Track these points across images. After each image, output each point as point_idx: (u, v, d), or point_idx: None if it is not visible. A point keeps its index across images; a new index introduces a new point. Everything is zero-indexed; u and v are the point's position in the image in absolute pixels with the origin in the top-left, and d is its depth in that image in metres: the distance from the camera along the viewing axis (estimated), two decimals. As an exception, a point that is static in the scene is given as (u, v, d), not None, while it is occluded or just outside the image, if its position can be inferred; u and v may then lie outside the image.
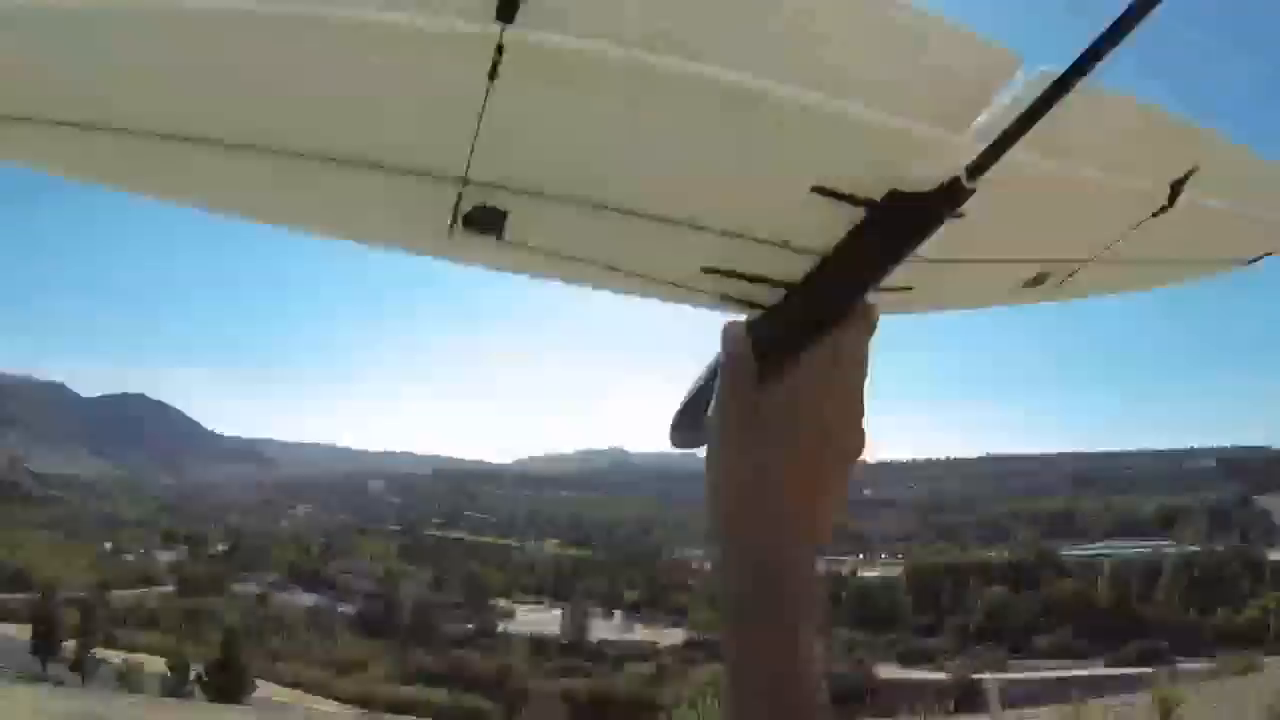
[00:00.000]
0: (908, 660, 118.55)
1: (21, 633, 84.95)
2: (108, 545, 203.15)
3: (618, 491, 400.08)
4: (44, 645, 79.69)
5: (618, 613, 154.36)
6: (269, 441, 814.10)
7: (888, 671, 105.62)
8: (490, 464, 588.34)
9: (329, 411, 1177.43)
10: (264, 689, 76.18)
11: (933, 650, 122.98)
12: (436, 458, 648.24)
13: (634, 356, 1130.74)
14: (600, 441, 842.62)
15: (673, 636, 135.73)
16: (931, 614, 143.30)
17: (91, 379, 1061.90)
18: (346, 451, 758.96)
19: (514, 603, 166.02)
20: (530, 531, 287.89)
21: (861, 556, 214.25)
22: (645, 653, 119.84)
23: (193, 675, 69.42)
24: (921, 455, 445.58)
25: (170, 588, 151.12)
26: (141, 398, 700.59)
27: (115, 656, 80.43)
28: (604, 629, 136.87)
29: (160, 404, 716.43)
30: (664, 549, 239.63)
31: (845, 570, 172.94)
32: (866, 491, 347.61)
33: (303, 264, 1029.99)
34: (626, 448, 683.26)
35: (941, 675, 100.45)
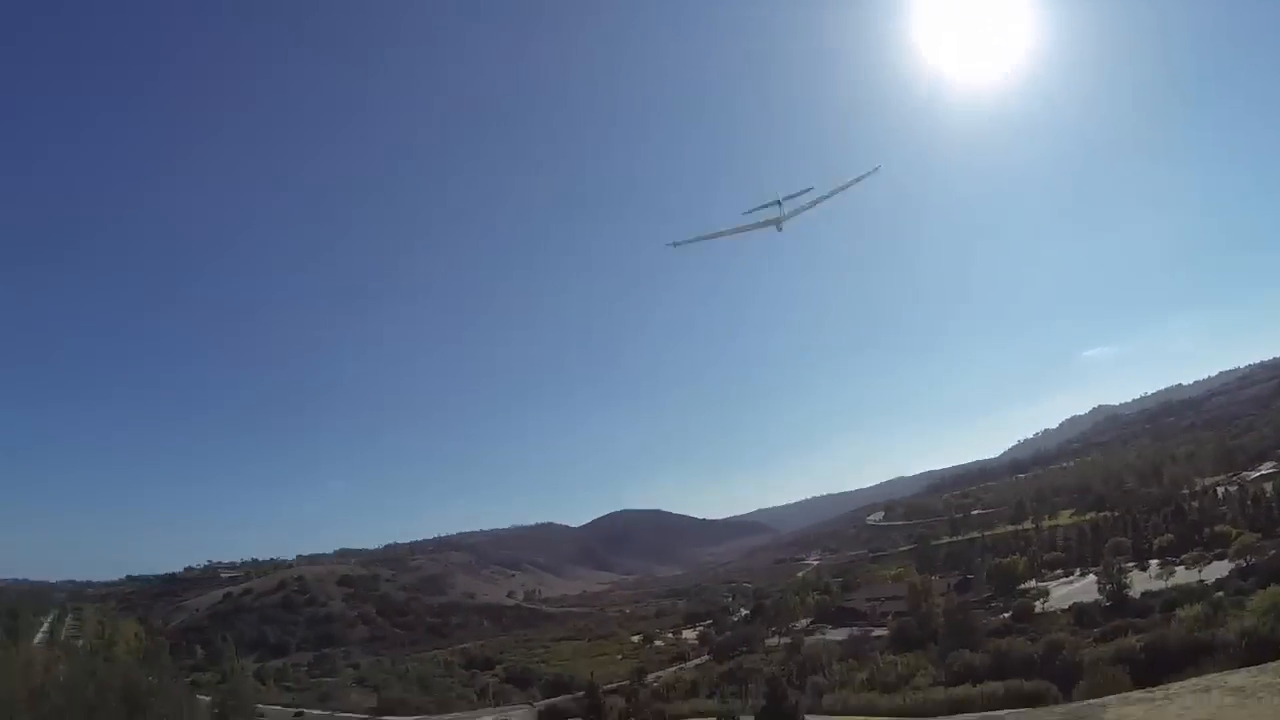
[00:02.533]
0: None
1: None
2: (635, 639, 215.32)
3: (1113, 448, 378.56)
4: None
5: (1152, 562, 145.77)
6: (761, 511, 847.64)
7: None
8: (981, 461, 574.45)
9: (809, 470, 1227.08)
10: (816, 723, 78.00)
11: None
12: (928, 474, 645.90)
13: (1100, 310, 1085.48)
14: (1081, 406, 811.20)
15: (1217, 570, 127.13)
16: None
17: (577, 510, 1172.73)
18: (838, 496, 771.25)
19: (1044, 581, 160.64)
20: (1041, 510, 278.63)
21: None
22: (1193, 594, 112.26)
23: (744, 725, 72.14)
24: None
25: (704, 659, 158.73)
26: (628, 512, 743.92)
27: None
28: (1143, 581, 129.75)
29: (650, 511, 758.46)
30: (1180, 485, 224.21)
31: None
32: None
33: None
34: (1110, 402, 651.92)
35: None
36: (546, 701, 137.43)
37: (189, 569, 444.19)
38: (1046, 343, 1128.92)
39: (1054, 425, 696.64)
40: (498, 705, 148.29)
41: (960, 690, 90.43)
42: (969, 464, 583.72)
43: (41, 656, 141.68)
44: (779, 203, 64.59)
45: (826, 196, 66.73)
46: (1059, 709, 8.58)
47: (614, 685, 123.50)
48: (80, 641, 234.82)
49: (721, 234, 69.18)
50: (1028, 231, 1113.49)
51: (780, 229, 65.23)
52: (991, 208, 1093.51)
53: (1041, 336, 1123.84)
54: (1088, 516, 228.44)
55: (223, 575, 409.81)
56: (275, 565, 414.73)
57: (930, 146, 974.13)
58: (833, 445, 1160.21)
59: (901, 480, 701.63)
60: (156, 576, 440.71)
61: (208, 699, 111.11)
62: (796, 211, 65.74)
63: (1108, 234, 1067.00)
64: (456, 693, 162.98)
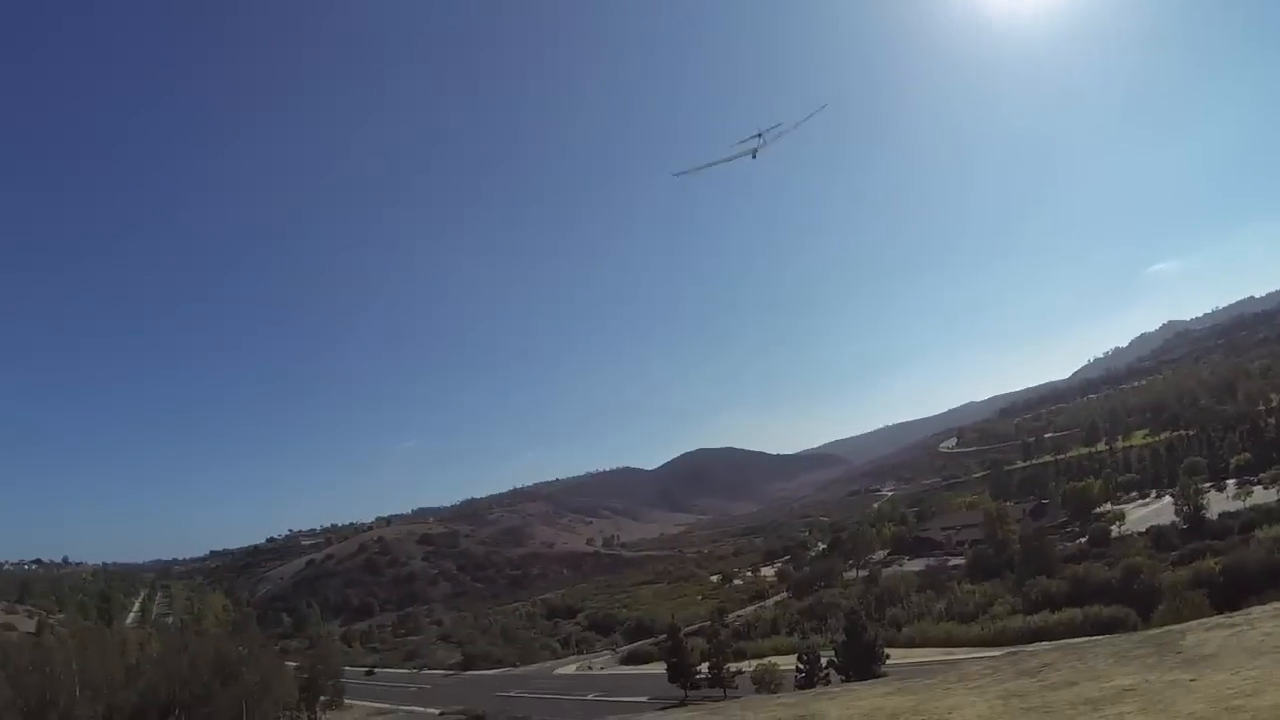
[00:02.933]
0: None
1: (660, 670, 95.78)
2: (714, 579, 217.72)
3: (1185, 365, 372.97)
4: (679, 673, 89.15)
5: (1229, 482, 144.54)
6: (834, 443, 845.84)
7: None
8: (1052, 383, 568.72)
9: (881, 399, 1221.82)
10: (895, 655, 79.32)
11: None
12: (997, 397, 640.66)
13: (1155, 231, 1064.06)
14: (1151, 323, 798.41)
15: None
16: None
17: (651, 452, 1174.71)
18: (910, 425, 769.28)
19: (1120, 504, 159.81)
20: (1114, 431, 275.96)
21: None
22: (1272, 514, 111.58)
23: (824, 662, 73.66)
24: None
25: (783, 595, 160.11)
26: (702, 451, 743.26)
27: (747, 666, 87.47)
28: (1220, 502, 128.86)
29: (724, 449, 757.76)
30: (1256, 401, 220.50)
31: None
32: None
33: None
34: (1180, 318, 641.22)
35: None
36: (629, 646, 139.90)
37: (270, 540, 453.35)
38: (1113, 259, 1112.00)
39: (1124, 344, 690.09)
40: (581, 653, 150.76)
41: (1038, 618, 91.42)
42: (1039, 386, 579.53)
43: (134, 635, 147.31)
44: (760, 135, 71.63)
45: (791, 128, 75.07)
46: (1137, 635, 9.42)
47: (695, 626, 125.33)
48: (170, 618, 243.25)
49: (714, 164, 77.30)
50: (1088, 143, 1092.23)
51: (755, 157, 72.44)
52: (1051, 121, 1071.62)
53: (1107, 252, 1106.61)
54: (1162, 436, 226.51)
55: (304, 543, 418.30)
56: (355, 529, 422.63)
57: (990, 60, 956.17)
58: (902, 373, 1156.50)
59: (972, 405, 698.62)
60: (240, 550, 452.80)
61: (296, 665, 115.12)
62: (765, 144, 72.68)
63: (1172, 143, 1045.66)
64: (540, 643, 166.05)
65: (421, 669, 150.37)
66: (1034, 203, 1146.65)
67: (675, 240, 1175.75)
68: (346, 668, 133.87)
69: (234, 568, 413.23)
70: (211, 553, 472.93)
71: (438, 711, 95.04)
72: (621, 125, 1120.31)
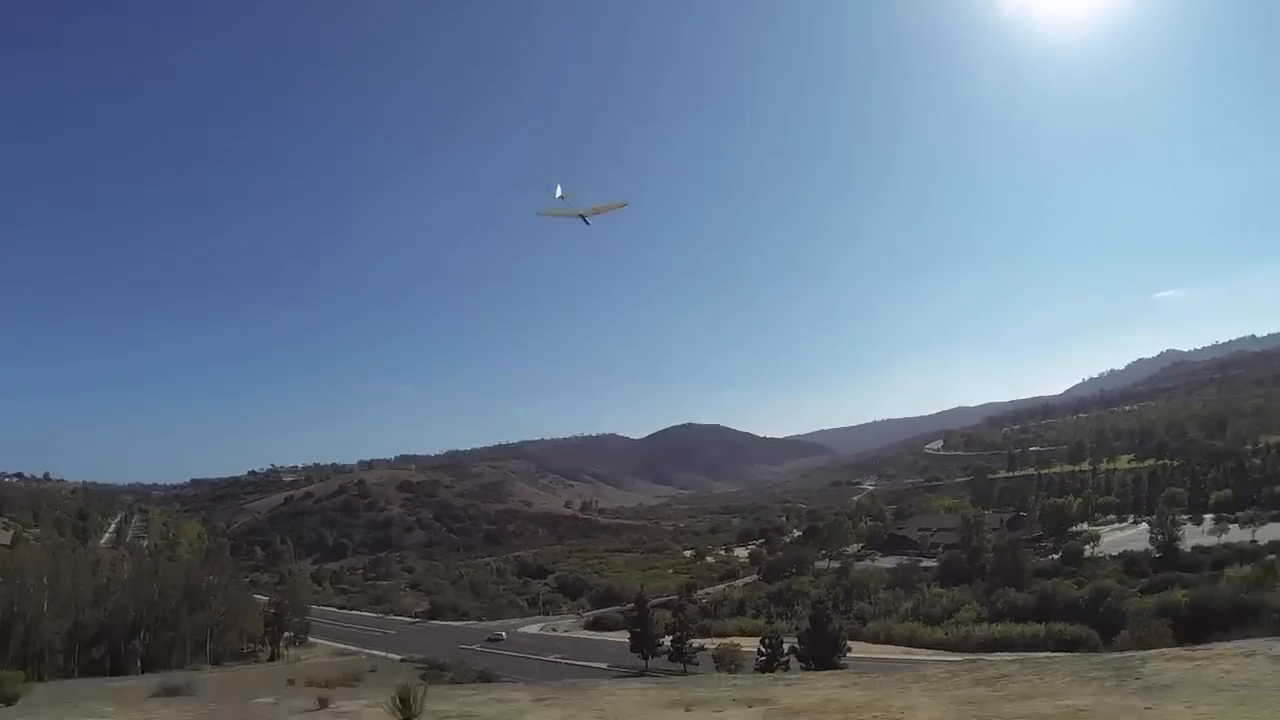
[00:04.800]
0: None
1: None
2: (687, 554, 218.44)
3: (1178, 396, 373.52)
4: (642, 643, 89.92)
5: (1207, 517, 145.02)
6: (821, 432, 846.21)
7: None
8: (1045, 397, 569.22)
9: (872, 394, 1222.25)
10: (857, 649, 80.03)
11: None
12: (989, 404, 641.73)
13: (1165, 260, 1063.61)
14: (1150, 349, 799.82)
15: (1272, 532, 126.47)
16: None
17: (639, 422, 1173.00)
18: (899, 422, 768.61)
19: (1096, 525, 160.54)
20: (1100, 452, 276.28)
21: None
22: (1245, 554, 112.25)
23: (786, 648, 74.23)
24: None
25: (754, 577, 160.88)
26: (690, 426, 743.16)
27: (710, 644, 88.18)
28: (1195, 535, 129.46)
29: (711, 426, 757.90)
30: (1244, 441, 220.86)
31: None
32: None
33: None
34: (1179, 348, 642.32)
35: None
36: (595, 612, 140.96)
37: (252, 473, 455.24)
38: (1121, 280, 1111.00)
39: (1120, 366, 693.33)
40: (547, 614, 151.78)
41: (1002, 628, 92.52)
42: (1031, 399, 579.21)
43: (108, 555, 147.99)
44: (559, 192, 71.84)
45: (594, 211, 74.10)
46: (1097, 657, 9.53)
47: (663, 599, 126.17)
48: (145, 541, 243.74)
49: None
50: (1114, 162, 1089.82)
51: (588, 223, 73.08)
52: (1080, 134, 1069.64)
53: (1116, 273, 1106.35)
54: (1146, 463, 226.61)
55: (285, 479, 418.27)
56: (336, 470, 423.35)
57: (1016, 75, 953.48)
58: (897, 370, 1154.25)
59: (963, 410, 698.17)
60: (220, 479, 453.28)
61: (264, 599, 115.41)
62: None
63: (1196, 174, 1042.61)
64: (507, 599, 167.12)
65: (388, 614, 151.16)
66: (1051, 213, 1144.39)
67: (685, 211, 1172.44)
68: (315, 606, 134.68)
69: (213, 497, 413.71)
70: (192, 480, 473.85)
71: (399, 658, 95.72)
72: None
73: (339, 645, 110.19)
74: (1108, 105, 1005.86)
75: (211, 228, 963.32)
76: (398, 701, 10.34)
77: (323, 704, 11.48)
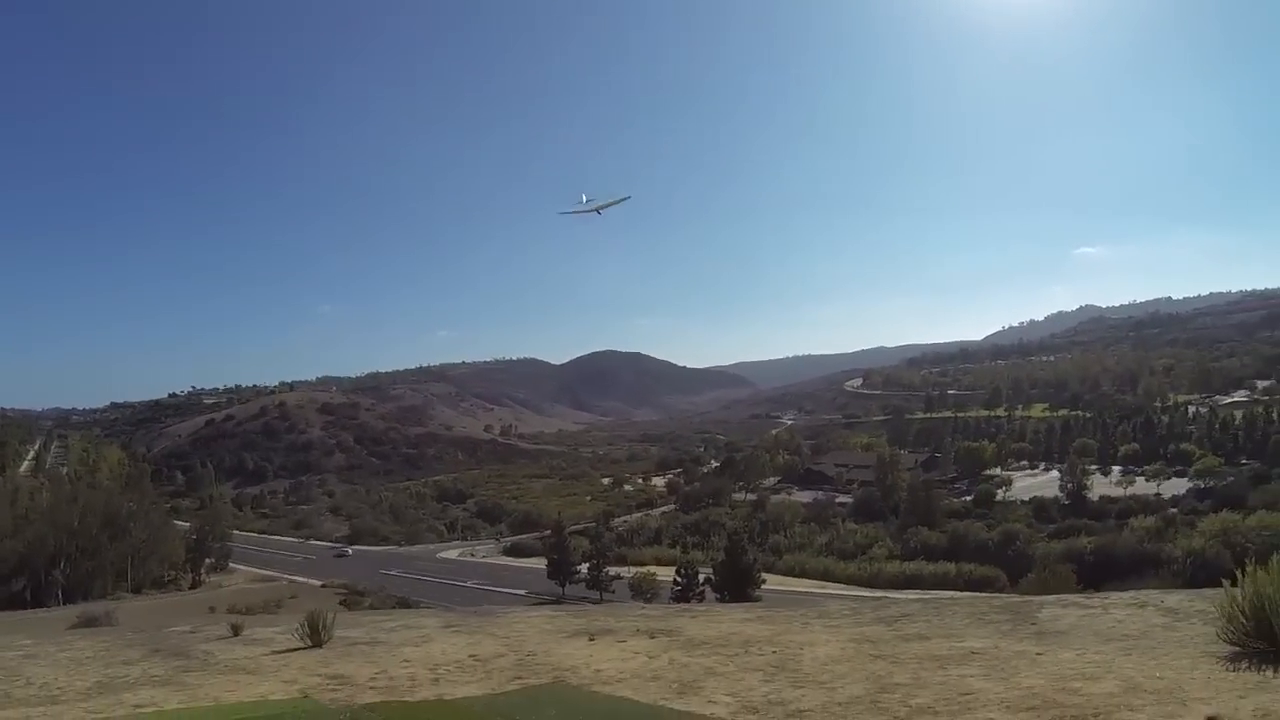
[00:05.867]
0: None
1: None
2: (605, 481, 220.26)
3: (1093, 350, 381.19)
4: (559, 570, 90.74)
5: (1115, 468, 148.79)
6: (742, 364, 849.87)
7: None
8: (964, 342, 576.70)
9: (795, 328, 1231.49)
10: (772, 582, 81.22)
11: None
12: (909, 346, 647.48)
13: (1090, 216, 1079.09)
14: (1069, 303, 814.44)
15: (1175, 486, 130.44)
16: None
17: (560, 347, 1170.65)
18: (820, 358, 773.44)
19: (1009, 470, 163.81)
20: (1015, 400, 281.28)
21: None
22: (1148, 506, 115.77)
23: (702, 579, 75.27)
24: None
25: (671, 507, 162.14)
26: (611, 353, 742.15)
27: (627, 572, 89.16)
28: (1103, 485, 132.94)
29: (632, 354, 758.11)
30: (1154, 398, 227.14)
31: None
32: None
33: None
34: (1097, 303, 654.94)
35: None
36: (513, 538, 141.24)
37: (173, 395, 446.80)
38: (1045, 233, 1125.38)
39: (1040, 318, 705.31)
40: (466, 539, 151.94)
41: (914, 566, 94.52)
42: (950, 343, 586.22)
43: (26, 484, 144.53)
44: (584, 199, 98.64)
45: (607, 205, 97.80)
46: (997, 600, 9.70)
47: (580, 526, 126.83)
48: (65, 468, 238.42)
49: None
50: (1042, 121, 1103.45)
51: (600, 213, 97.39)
52: (1011, 93, 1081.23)
53: (1041, 226, 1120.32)
54: (1060, 413, 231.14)
55: (206, 402, 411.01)
56: (258, 391, 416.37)
57: (953, 26, 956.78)
58: (819, 307, 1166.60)
59: (883, 350, 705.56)
60: (141, 403, 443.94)
61: (186, 525, 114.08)
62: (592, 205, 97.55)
63: (1127, 138, 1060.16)
64: (426, 524, 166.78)
65: (308, 539, 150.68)
66: (980, 164, 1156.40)
67: (614, 134, 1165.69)
68: (236, 531, 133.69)
69: (133, 421, 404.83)
70: (112, 404, 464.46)
71: (320, 583, 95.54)
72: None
73: (261, 571, 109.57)
74: (1044, 63, 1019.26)
75: (132, 146, 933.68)
76: (306, 628, 10.20)
77: (236, 631, 11.30)
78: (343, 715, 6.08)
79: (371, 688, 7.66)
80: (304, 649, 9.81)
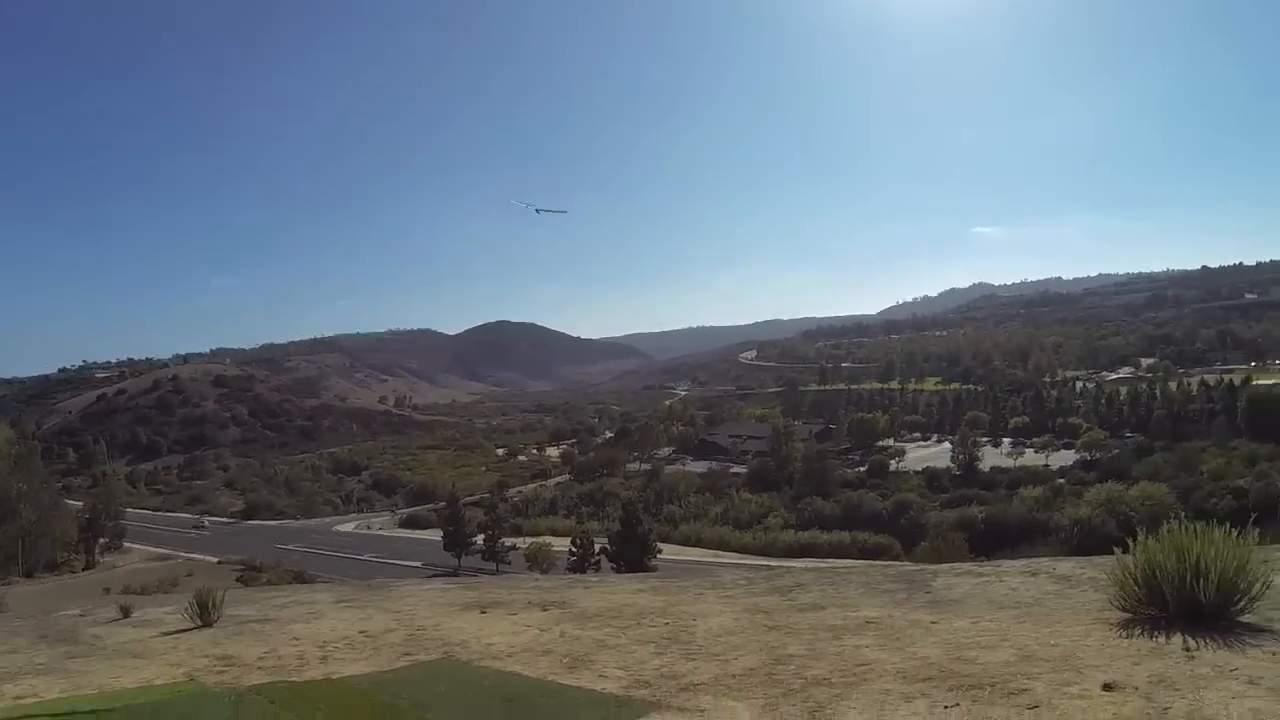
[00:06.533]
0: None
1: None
2: (499, 452, 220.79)
3: (986, 326, 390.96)
4: (455, 541, 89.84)
5: (1005, 440, 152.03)
6: (636, 335, 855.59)
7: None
8: (859, 316, 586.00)
9: (690, 300, 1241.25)
10: (667, 552, 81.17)
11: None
12: (804, 319, 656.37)
13: (987, 196, 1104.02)
14: (963, 280, 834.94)
15: (1062, 458, 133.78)
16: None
17: (454, 317, 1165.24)
18: (714, 330, 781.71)
19: (902, 442, 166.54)
20: (909, 373, 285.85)
21: (1253, 364, 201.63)
22: (1037, 476, 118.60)
23: (597, 549, 74.73)
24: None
25: (565, 477, 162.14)
26: (505, 324, 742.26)
27: (522, 543, 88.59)
28: (993, 457, 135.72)
29: (527, 324, 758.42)
30: (1043, 373, 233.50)
31: (1238, 379, 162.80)
32: (1249, 295, 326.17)
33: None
34: (991, 281, 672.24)
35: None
36: (409, 510, 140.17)
37: (63, 370, 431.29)
38: (944, 211, 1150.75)
39: (934, 294, 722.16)
40: (362, 512, 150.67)
41: (809, 535, 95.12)
42: (846, 317, 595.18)
43: None
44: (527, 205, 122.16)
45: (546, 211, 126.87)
46: (891, 569, 9.19)
47: (475, 497, 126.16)
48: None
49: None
50: (945, 102, 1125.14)
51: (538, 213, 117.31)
52: (916, 72, 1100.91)
53: (940, 204, 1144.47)
54: (952, 386, 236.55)
55: (97, 376, 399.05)
56: (151, 365, 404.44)
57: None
58: (714, 279, 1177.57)
59: (778, 323, 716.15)
60: (30, 378, 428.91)
61: (78, 504, 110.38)
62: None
63: (1027, 121, 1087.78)
64: (322, 497, 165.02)
65: (204, 515, 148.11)
66: (884, 140, 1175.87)
67: (509, 112, 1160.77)
68: (130, 509, 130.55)
69: (22, 397, 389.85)
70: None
71: (216, 559, 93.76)
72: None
73: (156, 549, 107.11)
74: (951, 47, 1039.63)
75: (19, 110, 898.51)
76: (196, 607, 9.78)
77: (126, 613, 10.62)
78: (227, 699, 6.14)
79: (259, 668, 7.46)
80: (194, 629, 9.60)
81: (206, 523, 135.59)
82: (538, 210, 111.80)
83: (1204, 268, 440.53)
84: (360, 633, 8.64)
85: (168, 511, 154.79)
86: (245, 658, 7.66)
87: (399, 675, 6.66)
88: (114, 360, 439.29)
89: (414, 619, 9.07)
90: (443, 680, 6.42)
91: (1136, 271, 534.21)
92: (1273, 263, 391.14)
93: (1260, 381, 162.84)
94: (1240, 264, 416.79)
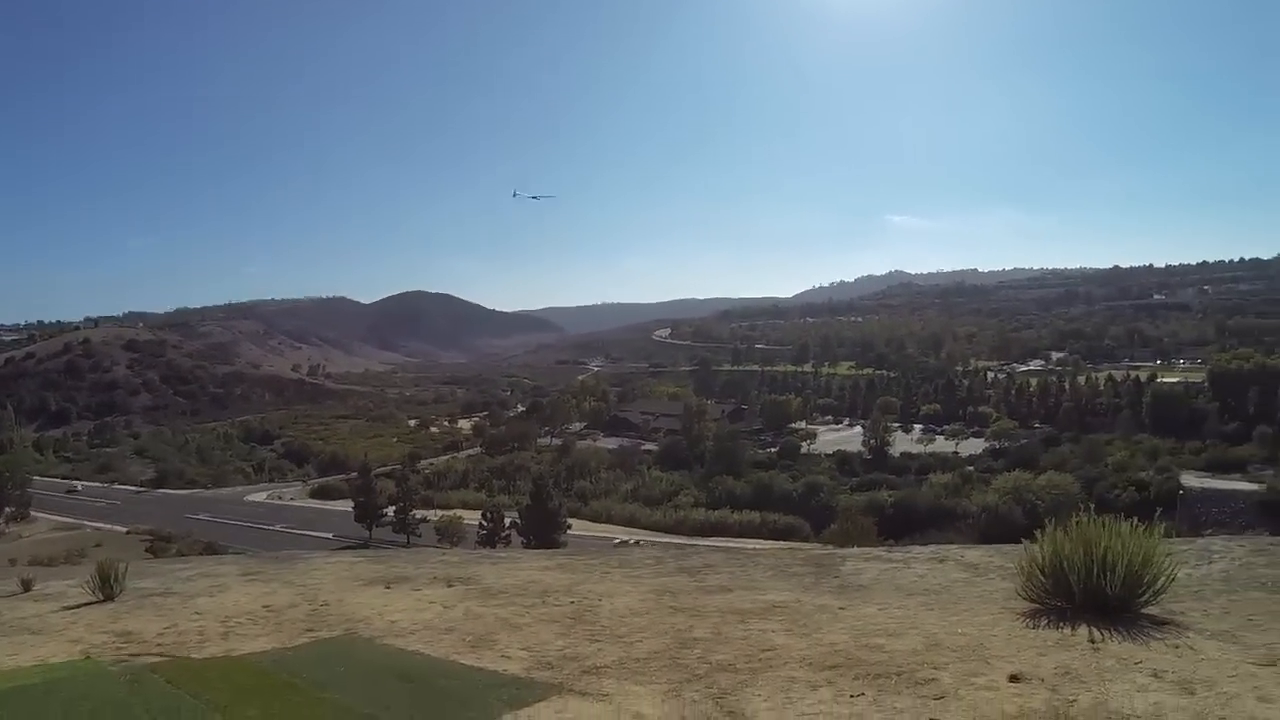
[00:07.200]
0: (1216, 469, 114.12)
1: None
2: (411, 423, 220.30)
3: (900, 314, 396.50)
4: (366, 513, 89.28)
5: (916, 426, 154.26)
6: (550, 310, 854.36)
7: (1194, 480, 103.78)
8: (775, 298, 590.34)
9: (604, 276, 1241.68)
10: (577, 527, 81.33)
11: (1242, 459, 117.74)
12: (720, 299, 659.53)
13: (906, 187, 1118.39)
14: (879, 267, 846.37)
15: (972, 446, 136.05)
16: (1238, 421, 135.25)
17: (369, 286, 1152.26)
18: (629, 307, 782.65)
19: (814, 424, 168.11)
20: (823, 357, 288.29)
21: (1159, 362, 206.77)
22: (947, 463, 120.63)
23: (508, 523, 74.64)
24: (1213, 258, 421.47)
25: (477, 450, 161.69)
26: (420, 294, 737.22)
27: (433, 515, 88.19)
28: (904, 442, 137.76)
29: (442, 295, 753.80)
30: (955, 362, 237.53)
31: (1144, 376, 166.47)
32: (1157, 296, 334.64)
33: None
34: (907, 270, 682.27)
35: (1254, 486, 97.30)
36: (320, 480, 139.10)
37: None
38: (860, 199, 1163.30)
39: (850, 279, 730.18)
40: (273, 481, 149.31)
41: (719, 514, 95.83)
42: (761, 299, 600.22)
43: None
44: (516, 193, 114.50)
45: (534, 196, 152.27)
46: (800, 553, 9.26)
47: (387, 468, 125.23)
48: None
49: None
50: (868, 92, 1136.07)
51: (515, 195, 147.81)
52: (839, 60, 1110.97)
53: (856, 192, 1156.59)
54: (865, 371, 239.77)
55: (4, 339, 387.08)
56: (61, 328, 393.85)
57: None
58: (631, 255, 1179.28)
59: (692, 302, 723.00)
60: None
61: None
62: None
63: (949, 116, 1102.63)
64: (233, 466, 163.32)
65: (113, 484, 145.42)
66: (806, 126, 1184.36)
67: (436, 80, 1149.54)
68: (37, 477, 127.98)
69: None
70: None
71: (124, 530, 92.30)
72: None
73: (62, 519, 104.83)
74: (876, 38, 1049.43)
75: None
76: (97, 580, 9.53)
77: (26, 587, 10.29)
78: (123, 678, 5.95)
79: (159, 644, 7.19)
80: (96, 603, 9.27)
81: (79, 486, 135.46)
82: (533, 198, 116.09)
83: (1115, 267, 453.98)
84: (264, 608, 8.49)
85: (77, 480, 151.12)
86: (145, 634, 7.49)
87: (300, 653, 6.56)
88: (21, 323, 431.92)
89: (319, 594, 8.97)
90: (343, 660, 6.32)
91: (1050, 268, 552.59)
92: (1182, 265, 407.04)
93: (1165, 379, 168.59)
94: (1150, 265, 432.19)
